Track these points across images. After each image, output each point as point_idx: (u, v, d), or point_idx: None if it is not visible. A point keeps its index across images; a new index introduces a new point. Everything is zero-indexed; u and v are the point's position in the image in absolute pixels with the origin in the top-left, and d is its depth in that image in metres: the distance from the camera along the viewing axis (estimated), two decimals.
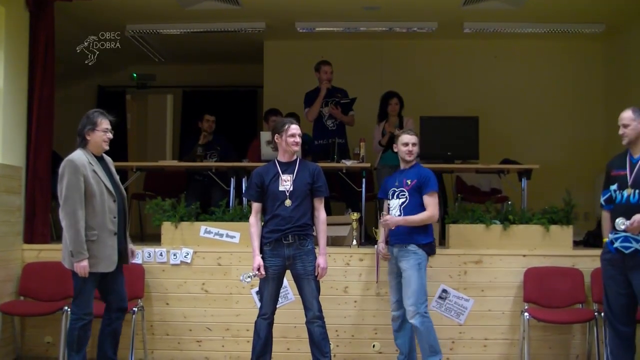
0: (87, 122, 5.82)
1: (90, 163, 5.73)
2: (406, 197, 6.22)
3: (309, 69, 9.07)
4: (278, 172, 5.93)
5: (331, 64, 8.87)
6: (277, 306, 5.98)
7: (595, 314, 6.60)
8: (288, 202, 5.83)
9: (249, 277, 5.91)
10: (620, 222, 5.46)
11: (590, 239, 7.93)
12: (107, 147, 5.89)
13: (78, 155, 5.72)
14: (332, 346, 6.85)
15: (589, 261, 6.91)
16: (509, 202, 8.08)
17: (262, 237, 5.91)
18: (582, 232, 8.05)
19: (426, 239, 6.17)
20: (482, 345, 6.94)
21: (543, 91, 10.46)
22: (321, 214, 6.03)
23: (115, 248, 5.78)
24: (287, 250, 5.82)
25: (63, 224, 5.68)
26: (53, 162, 9.30)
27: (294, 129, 5.97)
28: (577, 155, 10.11)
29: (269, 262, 5.85)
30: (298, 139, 5.98)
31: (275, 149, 6.09)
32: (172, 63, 11.76)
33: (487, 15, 8.95)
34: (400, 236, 6.21)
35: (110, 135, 5.87)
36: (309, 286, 5.88)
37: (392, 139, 8.51)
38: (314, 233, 6.03)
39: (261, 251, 5.90)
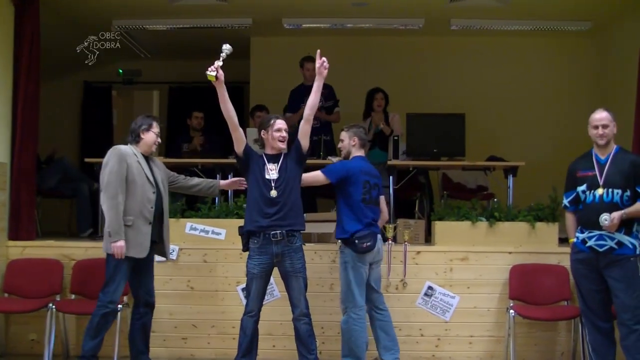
0: (144, 122, 6.20)
1: (136, 155, 6.07)
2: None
3: (296, 65, 9.06)
4: (264, 161, 5.94)
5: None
6: (263, 303, 5.96)
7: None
8: (274, 193, 5.81)
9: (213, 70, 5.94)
10: (604, 218, 5.53)
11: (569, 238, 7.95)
12: (154, 150, 6.26)
13: (125, 147, 6.10)
14: (318, 343, 6.84)
15: None
16: (495, 199, 8.10)
17: (250, 229, 5.85)
18: None
19: (339, 234, 6.25)
20: (468, 342, 6.96)
21: (529, 88, 10.49)
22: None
23: (149, 236, 6.00)
24: (276, 247, 5.80)
25: (104, 207, 5.88)
26: (46, 157, 9.33)
27: (280, 123, 6.01)
28: (563, 152, 10.02)
29: (256, 259, 5.83)
30: (284, 134, 5.99)
31: (262, 145, 6.09)
32: (159, 59, 11.69)
33: (474, 12, 8.96)
34: None
35: (159, 141, 6.29)
36: (297, 283, 5.88)
37: (377, 136, 8.57)
38: (303, 230, 6.02)
39: (247, 249, 5.89)
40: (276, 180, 5.85)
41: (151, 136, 6.17)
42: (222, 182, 6.73)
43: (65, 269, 7.02)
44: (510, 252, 7.04)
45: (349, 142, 6.43)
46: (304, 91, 8.89)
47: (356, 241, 6.11)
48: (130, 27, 9.46)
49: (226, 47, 6.03)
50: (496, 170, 8.43)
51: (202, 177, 8.03)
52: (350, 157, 6.44)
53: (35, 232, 7.66)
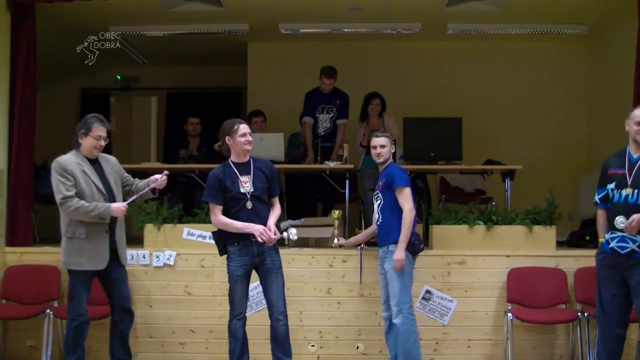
0: (82, 126, 5.87)
1: (80, 163, 5.80)
2: (380, 198, 6.23)
3: (293, 70, 9.11)
4: (235, 173, 5.87)
5: (334, 74, 8.82)
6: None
7: (579, 314, 6.61)
8: (249, 205, 5.80)
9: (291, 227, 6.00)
10: (620, 221, 5.40)
11: (573, 239, 7.96)
12: (97, 154, 5.96)
13: (65, 157, 5.81)
14: (315, 348, 6.87)
15: (572, 261, 6.93)
16: (493, 203, 8.10)
17: (227, 239, 5.85)
18: (565, 232, 8.07)
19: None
20: (466, 346, 6.95)
21: (526, 92, 10.50)
22: (277, 208, 6.05)
23: (107, 247, 5.81)
24: (256, 247, 5.78)
25: (72, 217, 5.74)
26: (42, 164, 9.31)
27: (244, 128, 5.92)
28: (560, 155, 10.15)
29: (238, 261, 5.80)
30: (250, 137, 5.92)
31: (227, 151, 6.00)
32: (156, 65, 11.70)
33: (470, 16, 8.96)
34: (381, 237, 6.25)
35: (102, 143, 5.92)
36: (277, 281, 5.86)
37: None
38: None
39: (225, 252, 5.88)
40: (252, 194, 5.83)
41: (89, 141, 5.87)
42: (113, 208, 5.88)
43: (63, 275, 6.93)
44: (507, 256, 7.03)
45: (389, 149, 6.33)
46: (317, 98, 8.88)
47: (415, 242, 6.15)
48: (127, 34, 9.43)
49: (293, 232, 6.22)
50: (494, 174, 8.44)
51: (199, 183, 8.09)
52: (387, 164, 6.33)
53: (32, 238, 7.66)
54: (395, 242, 6.05)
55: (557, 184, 7.52)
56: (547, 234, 7.16)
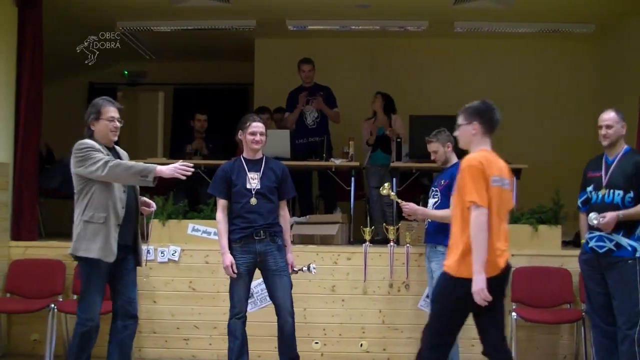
0: (91, 111, 5.36)
1: (101, 150, 5.25)
2: (438, 197, 6.18)
3: None
4: (244, 168, 5.87)
5: (312, 61, 8.92)
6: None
7: (583, 314, 6.59)
8: (254, 201, 5.77)
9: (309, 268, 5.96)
10: (594, 217, 5.53)
11: (578, 239, 7.91)
12: (114, 138, 5.41)
13: (91, 141, 5.28)
14: (319, 345, 6.87)
15: (577, 261, 6.87)
16: None
17: (230, 235, 5.83)
18: (571, 232, 8.02)
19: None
20: (470, 344, 6.89)
21: (533, 91, 10.47)
22: (286, 213, 6.04)
23: (116, 239, 5.24)
24: (259, 245, 5.76)
25: (110, 178, 5.15)
26: (50, 159, 9.32)
27: (255, 127, 5.85)
28: (566, 155, 10.10)
29: (240, 259, 5.77)
30: (258, 137, 5.88)
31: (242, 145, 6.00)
32: (163, 60, 11.71)
33: (477, 14, 8.95)
34: (429, 236, 6.21)
35: (117, 124, 5.37)
36: (282, 282, 5.81)
37: (380, 139, 8.56)
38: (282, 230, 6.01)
39: (230, 248, 5.82)
40: (257, 191, 5.80)
41: (103, 124, 5.31)
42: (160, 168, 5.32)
43: (67, 269, 7.02)
44: (512, 255, 6.96)
45: (444, 150, 6.27)
46: (302, 92, 8.92)
47: None
48: (134, 29, 9.47)
49: (312, 267, 6.15)
50: None
51: (205, 178, 8.08)
52: (449, 163, 6.27)
53: (37, 232, 7.68)
54: (443, 245, 5.82)
55: (563, 183, 7.48)
56: (552, 234, 7.16)
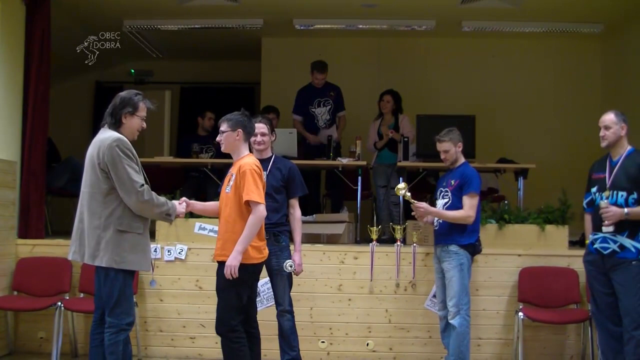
0: (128, 104, 5.02)
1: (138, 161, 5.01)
2: (449, 197, 6.19)
3: (307, 66, 9.04)
4: None
5: (327, 69, 8.90)
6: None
7: (590, 314, 6.57)
8: None
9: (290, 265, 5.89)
10: (603, 205, 5.53)
11: (585, 239, 7.91)
12: (136, 138, 5.15)
13: (123, 136, 4.98)
14: (325, 344, 6.86)
15: None
16: (506, 202, 8.07)
17: None
18: (578, 232, 7.97)
19: (466, 240, 6.11)
20: (476, 344, 6.92)
21: (540, 90, 10.46)
22: (296, 212, 6.04)
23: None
24: None
25: (138, 210, 4.91)
26: (53, 155, 9.32)
27: (256, 127, 5.80)
28: (574, 154, 10.08)
29: None
30: (259, 138, 5.93)
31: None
32: (170, 59, 11.74)
33: (485, 13, 8.94)
34: (441, 236, 6.21)
35: (144, 126, 5.15)
36: (282, 281, 5.92)
37: (389, 141, 8.56)
38: (289, 230, 6.04)
39: None
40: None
41: (136, 122, 5.07)
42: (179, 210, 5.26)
43: (74, 267, 7.03)
44: (519, 255, 7.01)
45: (456, 149, 6.29)
46: (311, 93, 8.92)
47: (477, 244, 6.21)
48: (141, 27, 9.48)
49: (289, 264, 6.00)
50: (506, 173, 8.40)
51: (211, 177, 8.08)
52: (458, 163, 6.31)
53: (44, 230, 7.68)
54: (458, 244, 6.06)
55: (571, 183, 7.47)
56: (559, 234, 7.14)
